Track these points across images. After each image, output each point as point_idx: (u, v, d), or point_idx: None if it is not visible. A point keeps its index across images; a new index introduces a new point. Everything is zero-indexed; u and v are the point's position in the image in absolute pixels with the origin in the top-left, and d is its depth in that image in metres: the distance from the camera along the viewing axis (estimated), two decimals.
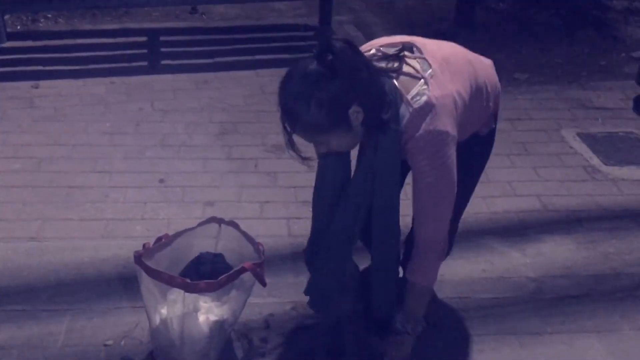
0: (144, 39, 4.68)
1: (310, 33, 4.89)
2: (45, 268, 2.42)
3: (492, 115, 1.87)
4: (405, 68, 1.62)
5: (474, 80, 1.71)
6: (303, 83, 1.48)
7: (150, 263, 1.81)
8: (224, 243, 2.06)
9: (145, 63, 4.29)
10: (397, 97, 1.57)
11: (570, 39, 4.91)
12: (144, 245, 1.89)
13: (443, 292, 2.33)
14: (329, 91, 1.46)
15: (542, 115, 3.71)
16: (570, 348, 2.15)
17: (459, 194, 1.70)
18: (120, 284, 2.35)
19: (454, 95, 1.61)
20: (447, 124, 1.57)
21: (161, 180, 2.98)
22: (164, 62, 4.32)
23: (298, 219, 2.74)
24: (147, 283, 1.84)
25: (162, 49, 4.54)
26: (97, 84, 3.92)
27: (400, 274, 2.07)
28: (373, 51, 1.68)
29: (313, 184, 1.91)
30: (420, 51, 1.67)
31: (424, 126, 1.55)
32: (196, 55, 4.40)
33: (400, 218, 1.91)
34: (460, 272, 2.46)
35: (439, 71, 1.62)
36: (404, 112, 1.57)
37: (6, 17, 4.69)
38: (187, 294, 1.81)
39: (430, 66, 1.62)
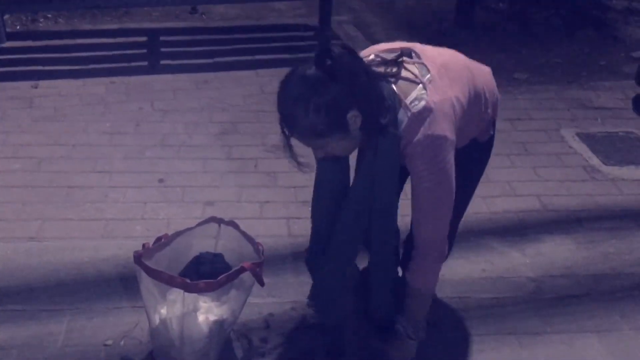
0: (143, 39, 4.68)
1: (310, 33, 4.89)
2: (45, 268, 2.42)
3: (490, 122, 1.87)
4: (404, 73, 1.63)
5: (473, 86, 1.72)
6: (302, 87, 1.48)
7: (150, 263, 1.81)
8: (223, 243, 2.06)
9: (145, 63, 4.29)
10: (395, 102, 1.58)
11: (570, 38, 4.91)
12: (143, 245, 1.89)
13: (443, 292, 2.33)
14: (328, 96, 1.47)
15: (541, 115, 3.72)
16: (570, 348, 2.15)
17: (458, 198, 1.70)
18: (120, 284, 2.35)
19: (453, 101, 1.62)
20: (445, 129, 1.57)
21: (161, 180, 2.98)
22: (163, 62, 4.32)
23: (298, 219, 2.74)
24: (146, 283, 1.84)
25: (162, 49, 4.54)
26: (97, 84, 3.92)
27: (400, 274, 2.08)
28: (372, 56, 1.69)
29: (313, 184, 1.91)
30: (419, 57, 1.68)
31: (422, 131, 1.56)
32: (196, 55, 4.40)
33: (400, 218, 1.92)
34: (460, 272, 2.46)
35: (437, 76, 1.62)
36: (403, 116, 1.58)
37: (6, 17, 4.69)
38: (186, 293, 1.81)
39: (428, 71, 1.62)
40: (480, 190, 2.01)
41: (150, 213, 2.76)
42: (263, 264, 1.91)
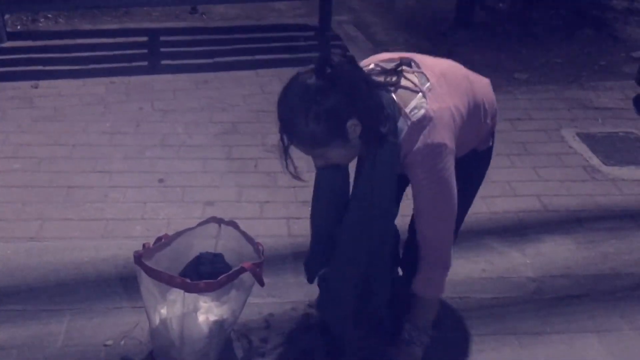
0: (144, 38, 4.68)
1: (310, 33, 4.89)
2: (45, 268, 2.42)
3: (489, 133, 1.88)
4: (404, 82, 1.63)
5: (472, 96, 1.72)
6: (301, 96, 1.49)
7: (150, 263, 1.81)
8: (223, 243, 2.06)
9: (145, 63, 4.30)
10: (395, 111, 1.59)
11: (570, 39, 4.91)
12: (143, 245, 1.89)
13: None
14: (327, 104, 1.48)
15: (542, 115, 3.72)
16: (570, 348, 2.15)
17: (457, 207, 1.70)
18: (120, 284, 2.35)
19: (452, 109, 1.62)
20: (445, 137, 1.58)
21: (161, 180, 2.98)
22: (164, 62, 4.32)
23: (298, 219, 2.74)
24: (146, 283, 1.84)
25: (162, 49, 4.54)
26: (97, 84, 3.93)
27: (400, 274, 2.08)
28: (372, 66, 1.70)
29: (313, 184, 1.91)
30: (418, 66, 1.68)
31: (422, 139, 1.56)
32: (196, 55, 4.40)
33: (400, 218, 1.92)
34: (460, 272, 2.46)
35: (436, 85, 1.63)
36: (402, 125, 1.59)
37: (6, 16, 4.70)
38: (186, 294, 1.81)
39: (428, 80, 1.63)
40: (480, 190, 2.01)
41: (150, 213, 2.76)
42: (263, 264, 1.91)
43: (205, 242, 2.05)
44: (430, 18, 5.28)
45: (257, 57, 4.40)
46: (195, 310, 1.96)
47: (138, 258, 1.82)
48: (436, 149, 1.56)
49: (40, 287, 2.32)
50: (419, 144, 1.56)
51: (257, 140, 3.34)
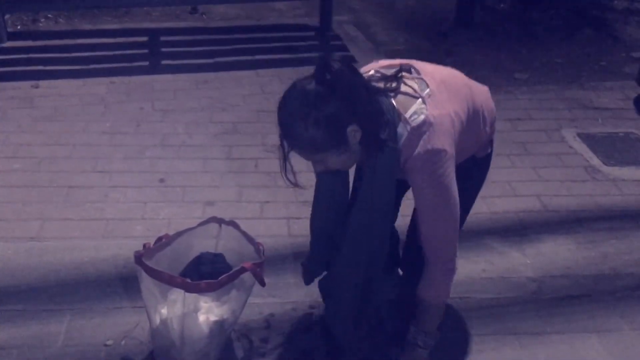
0: (144, 38, 4.69)
1: (311, 33, 4.89)
2: (46, 268, 2.42)
3: (488, 140, 1.90)
4: (404, 88, 1.64)
5: (472, 103, 1.73)
6: (302, 102, 1.50)
7: (150, 263, 1.81)
8: (224, 243, 2.06)
9: (145, 63, 4.30)
10: (395, 116, 1.59)
11: (570, 39, 4.91)
12: (144, 245, 1.89)
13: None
14: (327, 110, 1.48)
15: (542, 115, 3.72)
16: (570, 348, 2.15)
17: None
18: (120, 284, 2.35)
19: (452, 115, 1.63)
20: (444, 143, 1.58)
21: (161, 180, 2.99)
22: (164, 62, 4.32)
23: (298, 219, 2.74)
24: (147, 283, 1.84)
25: (163, 49, 4.54)
26: (98, 84, 3.93)
27: (400, 273, 2.08)
28: (372, 72, 1.71)
29: (314, 184, 1.91)
30: (418, 72, 1.69)
31: (421, 144, 1.57)
32: (196, 55, 4.40)
33: (401, 218, 1.92)
34: (460, 272, 2.42)
35: (436, 91, 1.63)
36: (402, 130, 1.59)
37: (7, 16, 4.70)
38: (187, 294, 1.81)
39: (428, 86, 1.64)
40: (481, 190, 2.01)
41: (150, 213, 2.76)
42: (264, 264, 1.91)
43: (205, 242, 2.05)
44: (431, 18, 5.28)
45: (258, 57, 4.40)
46: (196, 310, 1.96)
47: (138, 258, 1.82)
48: (436, 155, 1.57)
49: (41, 287, 2.32)
50: (418, 149, 1.57)
51: (257, 140, 3.34)
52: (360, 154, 1.61)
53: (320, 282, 2.08)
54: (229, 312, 1.97)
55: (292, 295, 2.31)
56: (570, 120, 3.67)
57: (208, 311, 1.99)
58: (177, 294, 1.86)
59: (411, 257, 2.03)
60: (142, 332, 2.13)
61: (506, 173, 3.12)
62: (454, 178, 1.63)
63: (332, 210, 1.86)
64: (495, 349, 2.14)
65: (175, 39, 4.69)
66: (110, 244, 2.55)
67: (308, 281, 2.10)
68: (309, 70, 1.54)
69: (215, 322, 1.98)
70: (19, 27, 4.86)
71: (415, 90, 1.62)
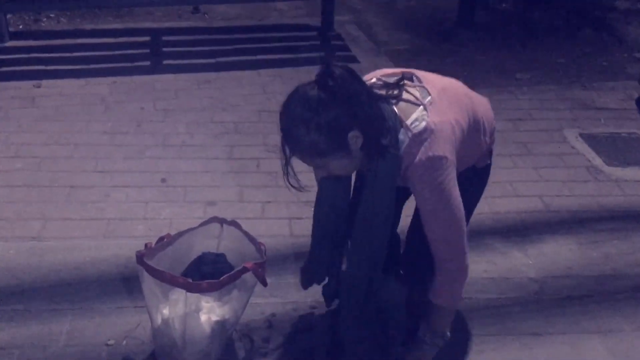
0: (146, 38, 4.69)
1: (312, 33, 4.89)
2: (47, 268, 2.42)
3: (488, 151, 1.91)
4: (405, 95, 1.65)
5: (472, 112, 1.75)
6: (303, 107, 1.51)
7: (152, 263, 1.81)
8: (225, 243, 2.06)
9: (147, 63, 4.30)
10: (396, 123, 1.60)
11: (572, 39, 4.91)
12: (145, 245, 1.89)
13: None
14: (329, 116, 1.49)
15: (543, 116, 3.71)
16: (571, 349, 2.15)
17: None
18: (122, 284, 2.35)
19: (453, 123, 1.64)
20: (445, 150, 1.59)
21: (163, 180, 2.98)
22: (165, 61, 4.32)
23: (299, 219, 2.74)
24: (149, 283, 1.84)
25: (164, 49, 4.54)
26: (99, 84, 3.93)
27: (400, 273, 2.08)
28: (374, 80, 1.72)
29: (315, 184, 1.91)
30: (420, 80, 1.71)
31: (422, 151, 1.57)
32: (198, 55, 4.40)
33: (402, 218, 1.91)
34: None
35: (438, 99, 1.65)
36: (404, 137, 1.60)
37: (9, 16, 4.70)
38: (188, 293, 1.81)
39: (429, 94, 1.65)
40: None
41: (151, 213, 2.76)
42: (265, 264, 1.91)
43: (207, 242, 2.05)
44: (432, 18, 5.28)
45: (259, 57, 4.40)
46: (198, 310, 1.96)
47: (140, 258, 1.82)
48: (437, 162, 1.58)
49: (42, 287, 2.32)
50: (420, 156, 1.58)
51: (258, 140, 3.34)
52: (362, 160, 1.61)
53: (324, 288, 2.09)
54: (231, 312, 1.97)
55: (293, 295, 2.31)
56: (572, 120, 3.67)
57: (210, 311, 1.99)
58: (178, 294, 1.86)
59: (411, 258, 2.03)
60: (144, 332, 2.13)
61: (508, 173, 3.12)
62: (456, 184, 1.64)
63: (333, 214, 1.88)
64: (496, 350, 2.14)
65: (176, 39, 4.69)
66: (112, 244, 2.55)
67: (306, 286, 2.11)
68: (310, 70, 1.54)
69: (217, 322, 1.98)
70: (20, 26, 4.87)
71: (416, 98, 1.64)
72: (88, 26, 4.91)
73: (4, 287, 2.32)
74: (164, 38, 4.71)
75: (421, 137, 1.58)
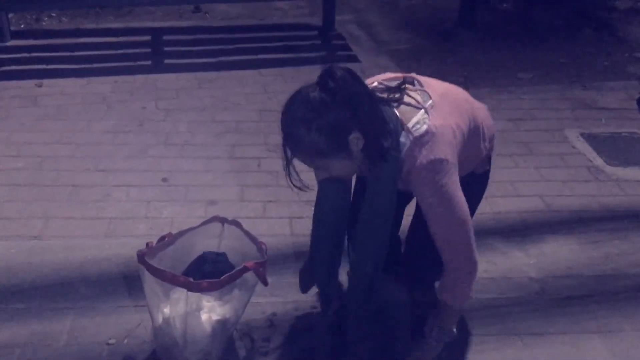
0: (147, 38, 4.69)
1: (313, 33, 4.89)
2: (48, 267, 2.42)
3: (487, 157, 1.92)
4: (406, 99, 1.66)
5: (472, 118, 1.76)
6: (304, 109, 1.51)
7: (153, 262, 1.81)
8: (226, 242, 2.06)
9: (148, 62, 4.30)
10: (397, 126, 1.61)
11: (573, 39, 4.91)
12: (147, 244, 1.89)
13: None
14: (330, 117, 1.50)
15: (545, 115, 3.71)
16: (572, 348, 2.15)
17: None
18: (123, 283, 2.35)
19: (453, 127, 1.65)
20: (447, 153, 1.60)
21: (164, 179, 2.99)
22: (167, 61, 4.33)
23: (300, 218, 2.74)
24: (150, 282, 1.84)
25: (166, 48, 4.55)
26: (101, 83, 3.93)
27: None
28: (375, 84, 1.73)
29: (316, 183, 1.92)
30: (421, 84, 1.72)
31: (424, 154, 1.58)
32: (199, 54, 4.41)
33: (403, 218, 1.91)
34: None
35: (438, 103, 1.66)
36: (405, 140, 1.61)
37: (10, 15, 4.71)
38: (189, 293, 1.81)
39: (430, 98, 1.66)
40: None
41: (153, 212, 2.76)
42: (266, 263, 1.91)
43: (208, 241, 2.05)
44: (433, 18, 5.28)
45: (260, 56, 4.41)
46: (198, 309, 1.96)
47: (141, 257, 1.82)
48: (438, 164, 1.58)
49: (43, 286, 2.33)
50: (421, 159, 1.58)
51: (259, 140, 3.34)
52: (363, 162, 1.62)
53: (320, 295, 2.09)
54: (232, 311, 1.97)
55: (294, 295, 2.30)
56: (573, 120, 3.67)
57: (210, 310, 1.99)
58: (179, 293, 1.86)
59: (411, 258, 2.04)
60: (145, 331, 2.14)
61: (509, 173, 3.12)
62: (459, 186, 1.64)
63: (333, 215, 1.88)
64: (497, 349, 2.14)
65: (178, 38, 4.70)
66: (113, 243, 2.56)
67: (305, 289, 2.11)
68: (311, 69, 1.54)
69: (218, 321, 1.98)
70: (22, 26, 4.87)
71: (418, 102, 1.65)
72: (89, 25, 4.92)
73: (5, 286, 2.32)
74: (165, 37, 4.71)
75: (422, 140, 1.58)
